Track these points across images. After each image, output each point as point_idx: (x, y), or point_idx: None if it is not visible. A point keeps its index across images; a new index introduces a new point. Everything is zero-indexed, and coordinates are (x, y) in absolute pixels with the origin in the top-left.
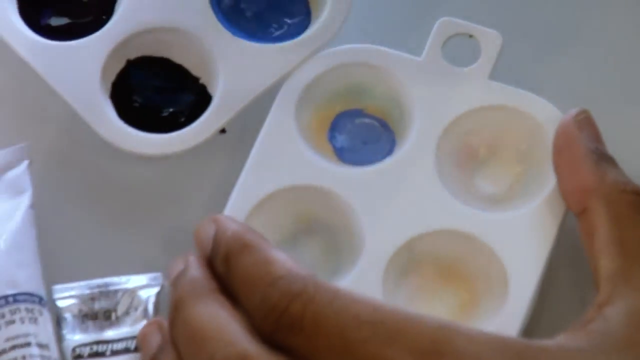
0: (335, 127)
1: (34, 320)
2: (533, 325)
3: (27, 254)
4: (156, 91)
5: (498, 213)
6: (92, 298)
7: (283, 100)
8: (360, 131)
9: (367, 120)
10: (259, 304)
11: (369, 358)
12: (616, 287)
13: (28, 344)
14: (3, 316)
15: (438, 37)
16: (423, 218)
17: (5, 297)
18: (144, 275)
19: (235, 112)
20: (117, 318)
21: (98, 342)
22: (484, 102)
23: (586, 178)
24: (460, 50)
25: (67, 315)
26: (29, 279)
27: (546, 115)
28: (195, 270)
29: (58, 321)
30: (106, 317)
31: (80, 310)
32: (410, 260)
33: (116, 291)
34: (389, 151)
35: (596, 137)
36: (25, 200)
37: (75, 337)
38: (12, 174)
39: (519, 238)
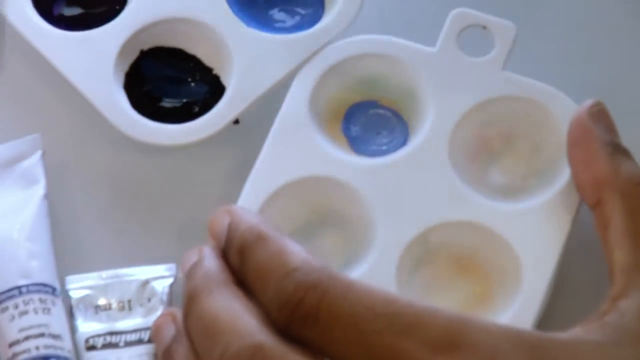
0: (349, 118)
1: (47, 311)
2: (547, 317)
3: (41, 245)
4: (170, 81)
5: (512, 204)
6: (106, 289)
7: (297, 91)
8: (374, 122)
9: (381, 111)
10: (273, 296)
11: (384, 350)
12: (631, 280)
13: (41, 335)
14: (16, 307)
15: (452, 28)
16: (437, 209)
17: (19, 287)
18: (158, 266)
19: (248, 103)
20: (131, 309)
21: (111, 333)
22: (498, 94)
23: (601, 170)
24: (474, 41)
25: (81, 306)
26: (42, 270)
27: (560, 107)
28: (210, 261)
29: (71, 312)
30: (120, 308)
31: (93, 301)
32: (424, 251)
33: (130, 282)
34: (403, 142)
35: (611, 128)
36: (38, 190)
37: (88, 328)
38: (25, 164)
39: (533, 230)
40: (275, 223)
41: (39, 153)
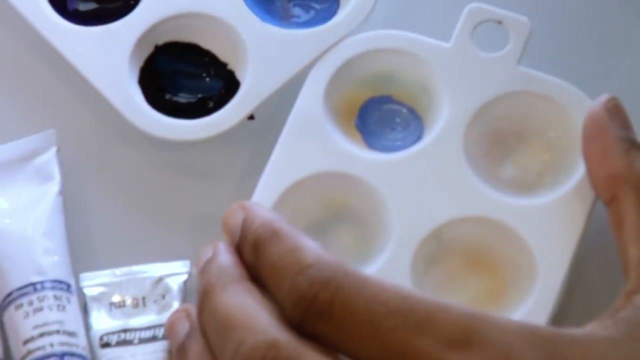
0: (363, 113)
1: (62, 308)
2: (562, 313)
3: (55, 241)
4: (184, 77)
5: (526, 200)
6: (120, 286)
7: (311, 86)
8: (389, 117)
9: (395, 107)
10: (287, 292)
11: (399, 346)
12: None
13: (56, 332)
14: (31, 303)
15: (467, 23)
16: (451, 205)
17: (33, 284)
18: (172, 262)
19: (263, 98)
20: (145, 306)
21: (125, 330)
22: (512, 89)
23: (616, 166)
24: (489, 36)
25: (95, 303)
26: (57, 266)
27: (575, 103)
28: (224, 257)
29: (85, 309)
30: (134, 305)
31: (107, 298)
32: (438, 247)
33: (144, 279)
34: (418, 138)
35: (626, 124)
36: (53, 186)
37: (102, 325)
38: (40, 160)
39: (547, 226)
40: (289, 219)
41: (53, 149)
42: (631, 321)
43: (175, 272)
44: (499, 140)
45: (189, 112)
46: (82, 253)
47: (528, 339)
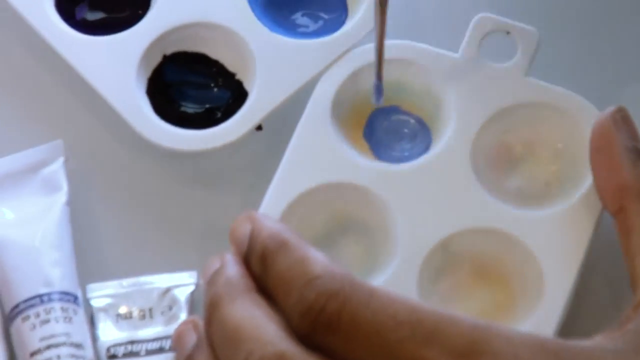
0: (371, 123)
1: (69, 320)
2: (569, 325)
3: (62, 252)
4: (192, 87)
5: (534, 211)
6: (127, 297)
7: (319, 96)
8: (397, 128)
9: (403, 117)
10: (295, 304)
11: (407, 358)
12: None
13: (63, 344)
14: (38, 315)
15: (475, 34)
16: (459, 216)
17: (40, 296)
18: (179, 273)
19: (271, 108)
20: (152, 317)
21: (132, 342)
22: (520, 100)
23: (623, 176)
24: (497, 46)
25: (102, 315)
26: (63, 278)
27: (583, 113)
28: (232, 268)
29: (92, 320)
30: (141, 316)
31: (114, 310)
32: (446, 258)
33: (151, 290)
34: (425, 148)
35: (634, 135)
36: (60, 197)
37: (109, 337)
38: (47, 170)
39: (555, 237)
40: (297, 230)
41: (61, 159)
42: (639, 333)
43: (183, 283)
44: (506, 151)
45: (196, 123)
46: (89, 264)
47: (535, 351)
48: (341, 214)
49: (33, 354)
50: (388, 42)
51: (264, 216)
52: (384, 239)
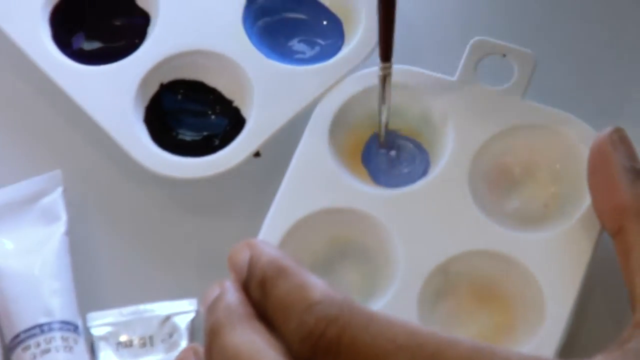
0: (369, 148)
1: (70, 349)
2: (570, 344)
3: (62, 282)
4: (190, 114)
5: (533, 233)
6: (127, 325)
7: (317, 122)
8: (395, 152)
9: (401, 141)
10: (295, 330)
11: None
12: None
13: None
14: (38, 345)
15: (471, 57)
16: (458, 239)
17: (40, 325)
18: (179, 301)
19: (269, 135)
20: (153, 345)
21: None
22: (518, 122)
23: (621, 197)
24: (494, 69)
25: (102, 343)
26: (64, 307)
27: (581, 135)
28: (231, 295)
29: (93, 349)
30: (141, 344)
31: (115, 338)
32: (445, 281)
33: (151, 318)
34: (424, 172)
35: (632, 155)
36: (60, 227)
37: None
38: (46, 200)
39: (554, 258)
40: (296, 255)
41: (59, 189)
42: (639, 353)
43: (183, 311)
44: (505, 173)
45: (194, 150)
46: (89, 293)
47: None
48: (340, 238)
49: None
50: None
51: (262, 242)
52: (383, 263)
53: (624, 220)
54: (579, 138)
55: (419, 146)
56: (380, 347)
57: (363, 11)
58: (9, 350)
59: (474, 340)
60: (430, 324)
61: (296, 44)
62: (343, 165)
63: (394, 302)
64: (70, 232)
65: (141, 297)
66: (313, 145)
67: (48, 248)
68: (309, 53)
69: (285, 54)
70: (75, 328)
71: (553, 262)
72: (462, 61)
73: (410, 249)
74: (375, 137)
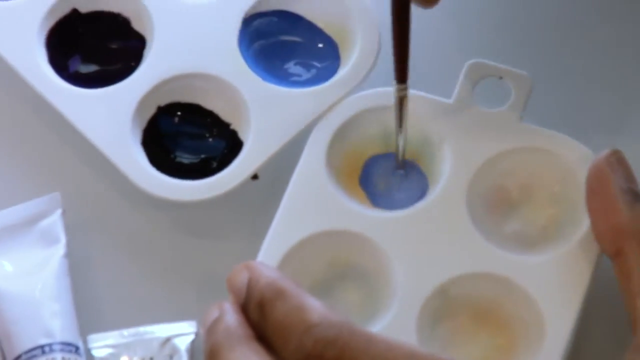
0: (367, 171)
1: None
2: None
3: (62, 303)
4: (187, 137)
5: (532, 255)
6: (128, 347)
7: (314, 145)
8: (392, 174)
9: None
10: (293, 351)
11: None
12: None
13: None
14: None
15: (468, 80)
16: (456, 261)
17: (42, 347)
18: (179, 323)
19: (266, 157)
20: None
21: None
22: (515, 144)
23: (619, 219)
24: (490, 91)
25: None
26: (64, 329)
27: (578, 157)
28: (230, 317)
29: None
30: None
31: (116, 359)
32: (444, 304)
33: (151, 340)
34: (422, 195)
35: (629, 177)
36: (59, 249)
37: None
38: (46, 222)
39: (554, 280)
40: (295, 277)
41: (58, 212)
42: None
43: (183, 333)
44: (503, 196)
45: (192, 173)
46: (89, 314)
47: None
48: (339, 260)
49: None
50: (381, 90)
51: (261, 264)
52: (382, 285)
53: (623, 242)
54: (577, 160)
55: (416, 168)
56: None
57: (359, 33)
58: None
59: None
60: (429, 346)
61: (292, 67)
62: (341, 187)
63: (393, 324)
64: (70, 254)
65: (141, 318)
66: (311, 168)
67: (48, 270)
68: (305, 76)
69: (282, 77)
70: (76, 349)
71: (552, 284)
72: (459, 83)
73: (409, 271)
74: (373, 159)
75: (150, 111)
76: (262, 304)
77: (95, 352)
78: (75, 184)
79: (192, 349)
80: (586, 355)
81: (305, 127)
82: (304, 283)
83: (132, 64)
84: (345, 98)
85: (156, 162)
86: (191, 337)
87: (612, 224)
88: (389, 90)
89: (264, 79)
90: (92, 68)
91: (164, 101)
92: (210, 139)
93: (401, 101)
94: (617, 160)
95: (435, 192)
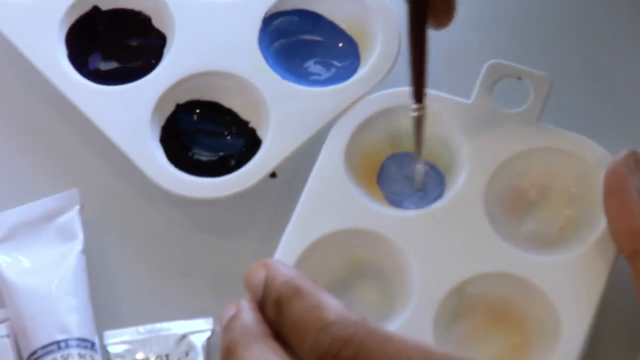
0: (385, 170)
1: None
2: None
3: (79, 299)
4: (206, 135)
5: (548, 256)
6: (144, 343)
7: (332, 143)
8: (410, 175)
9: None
10: (310, 349)
11: None
12: None
13: None
14: None
15: (487, 80)
16: (474, 261)
17: (57, 342)
18: (195, 320)
19: (285, 156)
20: None
21: None
22: (533, 145)
23: (637, 220)
24: (509, 92)
25: None
26: (80, 324)
27: (596, 158)
28: (247, 314)
29: None
30: None
31: (131, 356)
32: (461, 303)
33: (167, 336)
34: (439, 194)
35: None
36: (76, 245)
37: None
38: (63, 218)
39: (570, 281)
40: (312, 276)
41: (76, 208)
42: None
43: (199, 330)
44: (520, 196)
45: (210, 170)
46: (106, 311)
47: None
48: (356, 259)
49: None
50: (399, 90)
51: (278, 263)
52: (399, 284)
53: (639, 243)
54: (595, 161)
55: (434, 168)
56: None
57: (379, 33)
58: None
59: None
60: (445, 345)
61: (312, 66)
62: (359, 186)
63: (409, 323)
64: (87, 251)
65: (157, 315)
66: (329, 167)
67: (65, 266)
68: (325, 75)
69: (301, 76)
70: (92, 345)
71: (569, 284)
72: (478, 84)
73: (426, 270)
74: (391, 159)
75: (170, 108)
76: (279, 302)
77: (111, 349)
78: (93, 180)
79: (208, 346)
80: (601, 355)
81: (324, 126)
82: (321, 281)
83: (153, 61)
84: (365, 97)
85: (174, 160)
86: (207, 334)
87: (629, 225)
88: (408, 91)
89: (283, 77)
90: (112, 65)
91: (183, 99)
92: (229, 137)
93: (419, 121)
94: (635, 161)
95: (452, 192)
